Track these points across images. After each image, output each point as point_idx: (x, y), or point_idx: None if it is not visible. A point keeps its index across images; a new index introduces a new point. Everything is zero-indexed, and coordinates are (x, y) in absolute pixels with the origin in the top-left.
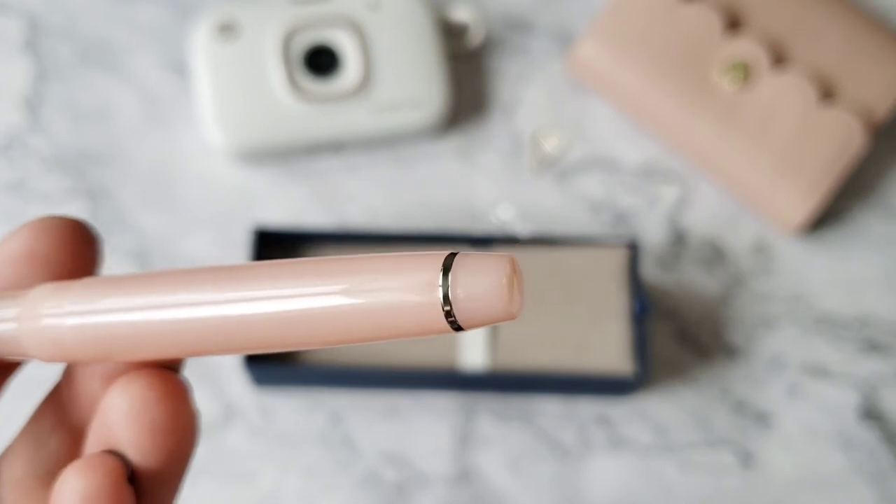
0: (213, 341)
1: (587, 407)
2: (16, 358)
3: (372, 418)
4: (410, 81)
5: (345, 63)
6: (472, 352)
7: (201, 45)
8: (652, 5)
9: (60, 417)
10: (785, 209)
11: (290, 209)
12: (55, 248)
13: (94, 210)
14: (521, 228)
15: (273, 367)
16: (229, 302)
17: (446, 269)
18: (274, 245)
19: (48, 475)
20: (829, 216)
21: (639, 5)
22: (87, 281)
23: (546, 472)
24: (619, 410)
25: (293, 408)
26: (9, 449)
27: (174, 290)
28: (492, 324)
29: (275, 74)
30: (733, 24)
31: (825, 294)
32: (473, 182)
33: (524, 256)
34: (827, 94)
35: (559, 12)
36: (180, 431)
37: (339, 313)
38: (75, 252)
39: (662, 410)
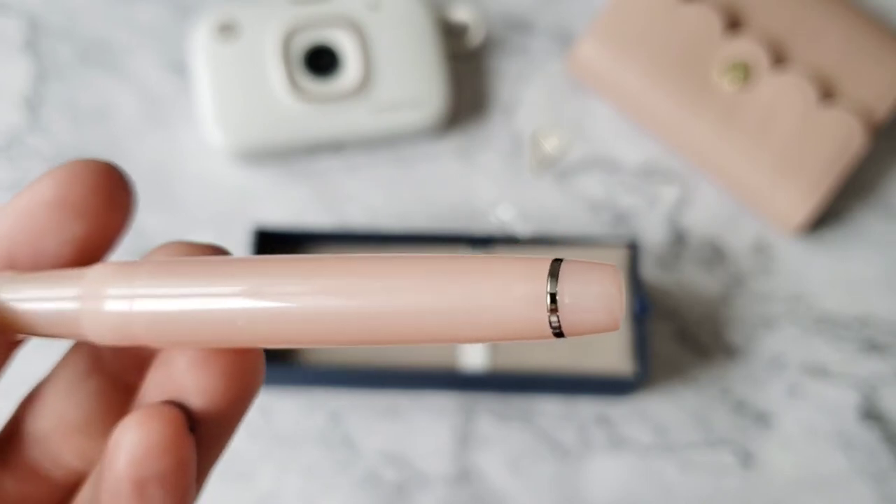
0: (299, 334)
1: (587, 407)
2: (68, 338)
3: (372, 418)
4: (410, 81)
5: (345, 63)
6: (472, 352)
7: (201, 45)
8: (652, 5)
9: (96, 363)
10: (785, 209)
11: (290, 209)
12: (88, 194)
13: None
14: (521, 228)
15: (273, 367)
16: (325, 293)
17: (552, 274)
18: (274, 245)
19: (85, 423)
20: (829, 216)
21: (639, 5)
22: (152, 264)
23: (546, 472)
24: (619, 410)
25: (293, 408)
26: (32, 399)
27: (253, 278)
28: (594, 333)
29: (275, 74)
30: (733, 24)
31: (825, 294)
32: (473, 182)
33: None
34: (827, 94)
35: (559, 12)
36: (249, 374)
37: (440, 312)
38: (109, 199)
39: (662, 410)
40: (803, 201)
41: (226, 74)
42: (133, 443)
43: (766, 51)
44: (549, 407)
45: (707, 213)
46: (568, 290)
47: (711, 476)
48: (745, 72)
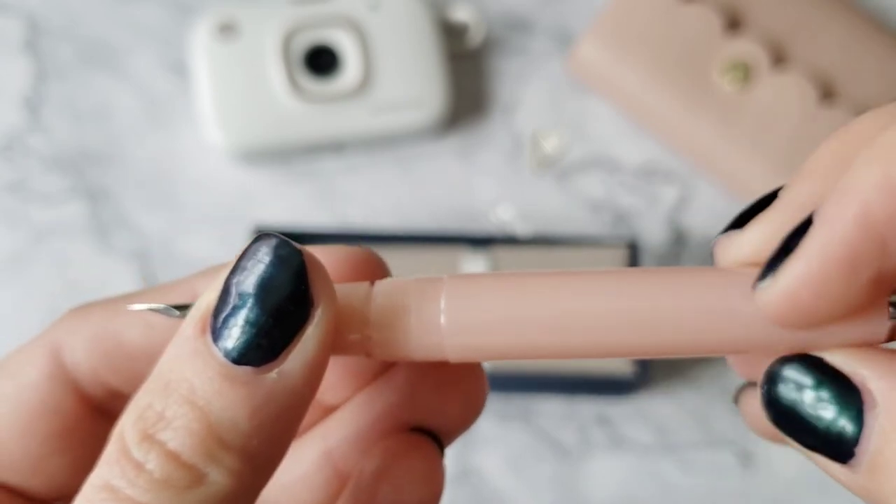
0: (629, 346)
1: (587, 407)
2: (430, 359)
3: None
4: (410, 81)
5: (345, 63)
6: None
7: (201, 45)
8: (652, 5)
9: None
10: None
11: (290, 209)
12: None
13: (94, 210)
14: (521, 228)
15: None
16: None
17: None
18: None
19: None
20: None
21: (639, 5)
22: (491, 277)
23: (546, 472)
24: (619, 410)
25: None
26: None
27: (592, 292)
28: None
29: (275, 74)
30: (733, 24)
31: None
32: (473, 182)
33: (524, 256)
34: (827, 94)
35: (559, 12)
36: (481, 401)
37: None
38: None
39: (662, 410)
40: None
41: (226, 74)
42: (400, 471)
43: (766, 51)
44: (549, 407)
45: (707, 213)
46: None
47: (711, 476)
48: (745, 72)
